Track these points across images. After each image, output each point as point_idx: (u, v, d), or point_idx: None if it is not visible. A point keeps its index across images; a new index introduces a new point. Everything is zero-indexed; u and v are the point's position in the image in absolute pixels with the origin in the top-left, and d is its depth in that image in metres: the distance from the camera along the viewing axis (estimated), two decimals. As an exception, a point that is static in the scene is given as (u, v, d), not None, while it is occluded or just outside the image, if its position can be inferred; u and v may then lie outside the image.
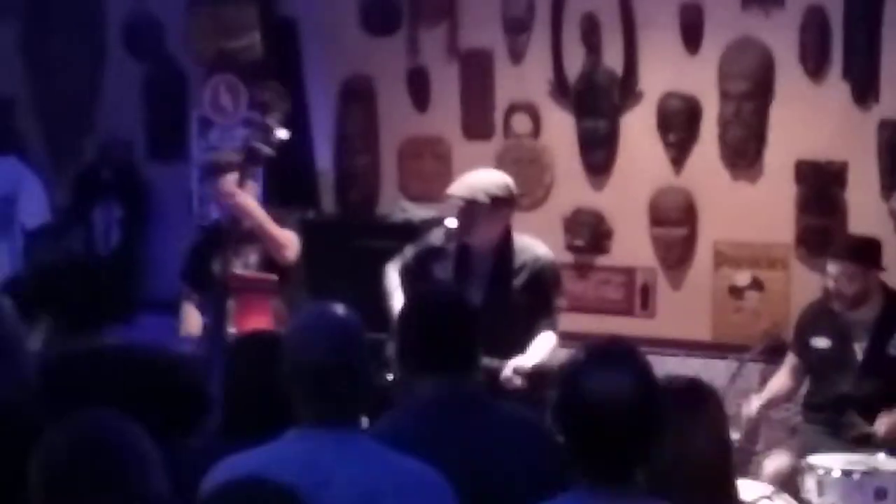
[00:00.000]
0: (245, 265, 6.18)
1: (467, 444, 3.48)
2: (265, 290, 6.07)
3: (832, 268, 6.07)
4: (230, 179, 6.27)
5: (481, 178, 5.90)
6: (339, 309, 3.14)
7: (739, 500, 3.61)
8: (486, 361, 5.25)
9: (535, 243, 5.92)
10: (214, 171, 6.41)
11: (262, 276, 6.13)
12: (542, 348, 5.73)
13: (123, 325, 8.16)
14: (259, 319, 5.89)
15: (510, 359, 5.61)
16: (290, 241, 6.25)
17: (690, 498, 3.19)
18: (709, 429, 3.36)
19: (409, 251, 6.09)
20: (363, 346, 3.12)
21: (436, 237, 6.06)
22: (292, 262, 6.25)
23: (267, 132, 6.29)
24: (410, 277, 5.96)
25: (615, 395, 2.88)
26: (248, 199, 6.25)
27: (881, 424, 5.83)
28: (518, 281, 5.80)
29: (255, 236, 6.20)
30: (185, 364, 4.00)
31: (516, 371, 5.59)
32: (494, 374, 5.51)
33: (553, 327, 5.81)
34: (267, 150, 6.24)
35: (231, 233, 6.18)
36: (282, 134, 6.28)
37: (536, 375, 5.56)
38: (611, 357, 3.00)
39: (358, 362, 3.09)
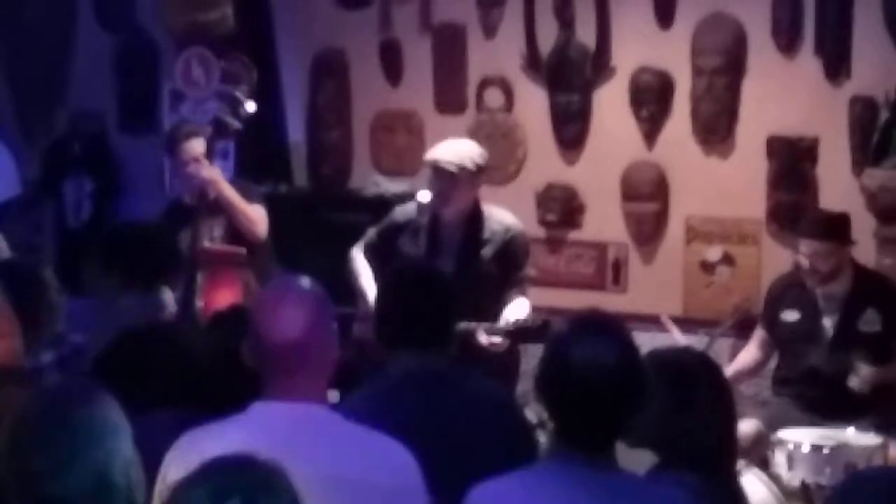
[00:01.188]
0: (210, 238, 6.15)
1: (435, 421, 3.50)
2: (234, 263, 6.05)
3: (805, 247, 6.07)
4: (196, 145, 6.20)
5: (464, 146, 5.88)
6: (306, 283, 3.12)
7: (737, 475, 3.64)
8: (462, 325, 5.22)
9: (504, 213, 5.91)
10: (179, 138, 6.28)
11: (230, 250, 6.10)
12: (518, 311, 5.72)
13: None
14: (228, 293, 5.87)
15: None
16: (259, 217, 6.22)
17: (693, 471, 3.22)
18: (713, 402, 3.41)
19: (373, 231, 6.07)
20: (330, 320, 3.11)
21: (400, 213, 6.03)
22: (263, 237, 6.21)
23: (235, 105, 6.25)
24: (377, 256, 5.94)
25: (600, 366, 2.93)
26: (216, 173, 6.20)
27: (859, 379, 5.83)
28: (488, 250, 5.79)
29: (219, 208, 6.15)
30: None
31: (496, 331, 5.57)
32: (469, 335, 5.49)
33: (523, 295, 5.81)
34: (235, 122, 6.20)
35: (197, 207, 6.14)
36: (250, 107, 6.23)
37: (515, 333, 5.55)
38: (596, 329, 3.04)
39: (324, 337, 3.08)
